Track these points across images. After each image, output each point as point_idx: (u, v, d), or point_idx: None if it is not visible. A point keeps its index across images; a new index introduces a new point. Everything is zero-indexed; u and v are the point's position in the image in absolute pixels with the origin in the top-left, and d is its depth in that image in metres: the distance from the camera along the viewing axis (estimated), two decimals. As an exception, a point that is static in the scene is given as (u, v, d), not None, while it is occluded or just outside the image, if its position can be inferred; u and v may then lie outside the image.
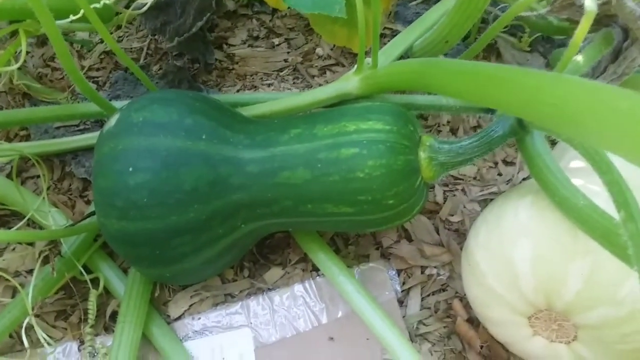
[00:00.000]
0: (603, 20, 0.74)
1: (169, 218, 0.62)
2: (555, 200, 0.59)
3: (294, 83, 1.00)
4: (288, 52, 1.05)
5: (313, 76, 1.01)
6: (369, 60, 0.71)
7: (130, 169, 0.61)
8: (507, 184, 0.87)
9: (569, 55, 0.59)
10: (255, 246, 0.80)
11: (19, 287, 0.63)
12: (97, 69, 1.01)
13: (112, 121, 0.66)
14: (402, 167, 0.62)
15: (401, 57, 0.80)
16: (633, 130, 0.29)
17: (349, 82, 0.72)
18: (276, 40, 1.06)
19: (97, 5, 0.64)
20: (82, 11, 0.62)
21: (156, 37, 0.99)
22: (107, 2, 0.66)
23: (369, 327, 0.68)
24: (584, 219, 0.55)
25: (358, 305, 0.69)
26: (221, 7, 0.96)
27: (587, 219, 0.55)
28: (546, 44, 1.07)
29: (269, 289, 0.77)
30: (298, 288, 0.76)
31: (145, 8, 0.82)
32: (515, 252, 0.62)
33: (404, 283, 0.78)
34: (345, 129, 0.64)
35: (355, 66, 0.72)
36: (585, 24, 0.57)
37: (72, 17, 0.63)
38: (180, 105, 0.66)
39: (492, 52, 1.04)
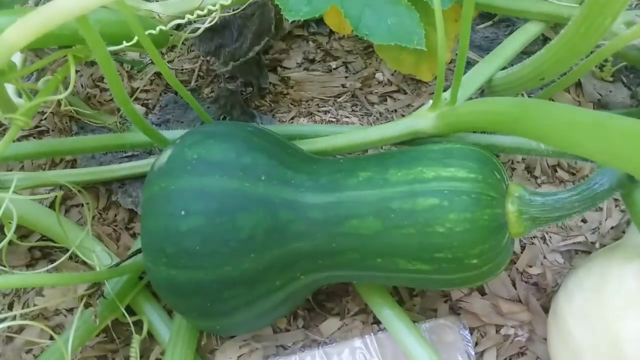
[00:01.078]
0: None
1: (223, 268, 0.56)
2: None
3: (352, 110, 0.93)
4: (346, 77, 0.98)
5: (373, 103, 0.94)
6: (446, 95, 0.64)
7: (183, 212, 0.55)
8: (593, 232, 0.77)
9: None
10: (312, 294, 0.73)
11: (56, 337, 0.58)
12: (147, 91, 0.97)
13: (164, 157, 0.60)
14: (488, 223, 0.54)
15: (480, 91, 0.72)
16: None
17: (423, 119, 0.64)
18: (333, 64, 1.00)
19: (153, 32, 0.59)
20: (136, 37, 0.57)
21: (209, 59, 0.94)
22: (164, 28, 0.60)
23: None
24: None
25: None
26: (280, 30, 0.90)
27: None
28: (630, 74, 0.97)
29: (325, 342, 0.70)
30: (357, 343, 0.68)
31: (200, 31, 0.77)
32: (622, 329, 0.52)
33: (477, 344, 0.69)
34: (422, 176, 0.56)
35: (431, 101, 0.64)
36: None
37: (125, 44, 0.57)
38: (238, 141, 0.60)
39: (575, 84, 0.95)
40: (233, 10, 0.77)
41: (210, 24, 0.76)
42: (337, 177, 0.60)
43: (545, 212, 0.55)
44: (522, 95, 0.83)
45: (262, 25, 0.79)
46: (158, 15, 0.66)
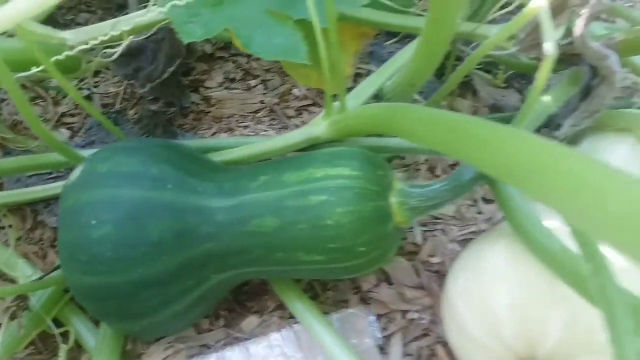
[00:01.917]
0: (571, 59, 0.74)
1: (135, 271, 0.60)
2: (530, 245, 0.58)
3: (270, 124, 1.00)
4: (264, 94, 1.04)
5: (290, 117, 1.01)
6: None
7: (94, 222, 0.60)
8: (487, 223, 0.85)
9: (532, 98, 0.59)
10: (232, 293, 0.78)
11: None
12: (73, 115, 1.01)
13: (77, 173, 0.64)
14: (372, 214, 0.60)
15: (375, 98, 0.80)
16: (571, 189, 0.29)
17: (319, 126, 0.71)
18: (253, 82, 1.06)
19: (59, 58, 0.64)
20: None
21: (130, 82, 0.99)
22: (70, 53, 0.65)
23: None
24: (559, 264, 0.54)
25: (333, 355, 0.66)
26: (194, 52, 0.96)
27: (562, 264, 0.53)
28: (522, 80, 1.08)
29: (246, 339, 0.75)
30: (275, 337, 0.73)
31: (115, 56, 0.82)
32: (493, 299, 0.60)
33: (385, 329, 0.76)
34: (313, 176, 0.62)
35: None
36: (545, 68, 0.57)
37: (34, 70, 0.62)
38: (146, 154, 0.65)
39: (468, 90, 1.05)
40: (145, 36, 0.83)
41: (123, 50, 0.82)
42: (240, 182, 0.66)
43: (423, 202, 0.63)
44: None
45: (174, 48, 0.84)
46: (67, 42, 0.71)
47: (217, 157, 0.76)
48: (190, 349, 0.74)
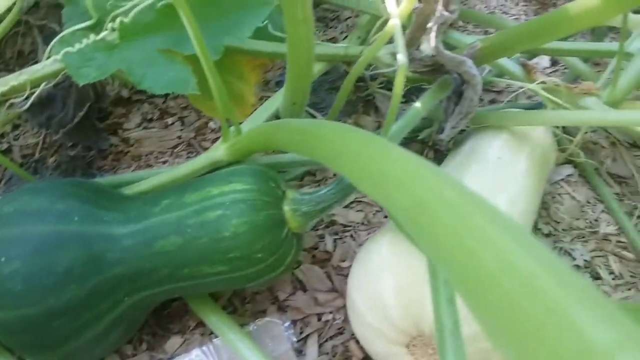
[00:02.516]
0: (440, 68, 0.84)
1: (46, 302, 0.64)
2: (406, 235, 0.64)
3: (187, 157, 1.05)
4: (181, 129, 1.10)
5: (206, 148, 1.06)
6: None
7: (3, 259, 0.63)
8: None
9: (393, 105, 0.67)
10: (153, 317, 0.81)
11: None
12: (-7, 168, 1.03)
13: (-15, 216, 0.68)
14: (264, 222, 0.66)
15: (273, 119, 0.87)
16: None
17: (218, 150, 0.77)
18: (170, 120, 1.12)
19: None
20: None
21: (44, 131, 1.03)
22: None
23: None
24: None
25: (249, 361, 0.71)
26: (105, 97, 1.01)
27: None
28: (419, 92, 1.17)
29: (169, 359, 0.78)
30: (196, 353, 0.77)
31: (26, 106, 0.86)
32: (381, 287, 0.66)
33: (301, 332, 0.80)
34: (210, 194, 0.68)
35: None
36: (400, 78, 0.65)
37: None
38: (52, 192, 0.69)
39: (370, 107, 1.13)
40: (53, 84, 0.87)
41: (34, 99, 0.86)
42: (144, 208, 0.70)
43: (312, 206, 0.69)
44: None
45: (81, 93, 0.89)
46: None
47: (129, 191, 0.81)
48: (116, 376, 0.77)
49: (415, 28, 0.79)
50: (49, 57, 0.77)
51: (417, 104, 0.79)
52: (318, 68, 0.95)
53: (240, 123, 0.83)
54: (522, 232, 0.26)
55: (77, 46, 0.71)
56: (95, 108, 0.98)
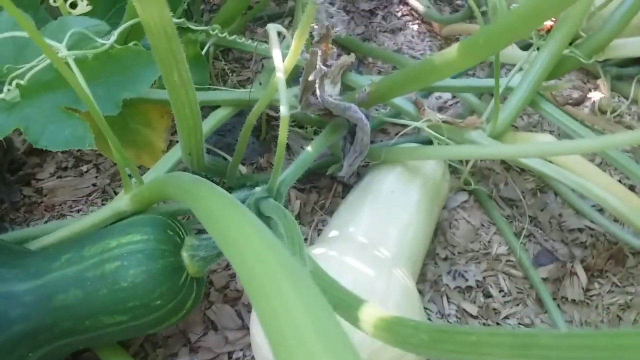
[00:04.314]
0: (332, 113, 0.90)
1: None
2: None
3: (102, 204, 1.07)
4: (96, 177, 1.12)
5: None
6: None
7: None
8: (299, 259, 0.97)
9: (279, 151, 0.73)
10: (64, 370, 0.82)
11: None
12: None
13: None
14: (161, 270, 0.70)
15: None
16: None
17: (121, 200, 0.80)
18: (85, 167, 1.14)
19: None
20: None
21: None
22: None
23: None
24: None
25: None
26: (11, 149, 1.02)
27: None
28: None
29: (81, 410, 0.79)
30: (107, 402, 0.79)
31: None
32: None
33: (212, 372, 0.83)
34: (108, 246, 0.71)
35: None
36: (283, 126, 0.71)
37: None
38: (-50, 254, 0.70)
39: (282, 145, 1.19)
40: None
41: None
42: (44, 264, 0.72)
43: (209, 251, 0.73)
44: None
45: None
46: None
47: (36, 244, 0.82)
48: None
49: (305, 77, 0.86)
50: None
51: (309, 148, 0.85)
52: (225, 113, 1.00)
53: (145, 172, 0.87)
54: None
55: (-27, 109, 0.73)
56: (5, 161, 0.99)
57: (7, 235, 0.88)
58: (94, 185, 1.10)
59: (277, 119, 1.24)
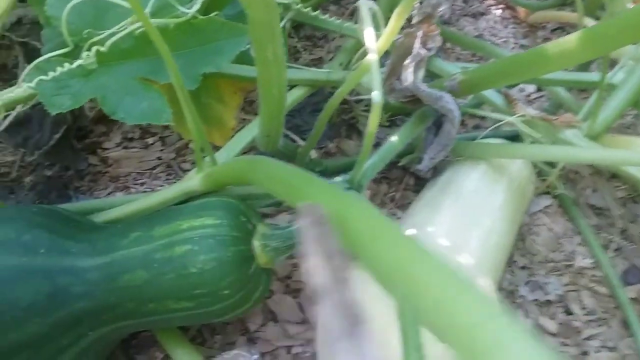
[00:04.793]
0: (418, 101, 0.83)
1: (8, 336, 0.62)
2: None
3: (166, 179, 1.04)
4: (162, 150, 1.09)
5: (185, 170, 1.05)
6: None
7: (-36, 293, 0.62)
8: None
9: (367, 140, 0.67)
10: (120, 348, 0.80)
11: None
12: (-32, 188, 1.02)
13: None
14: (232, 258, 0.65)
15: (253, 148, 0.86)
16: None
17: (192, 180, 0.76)
18: (150, 140, 1.11)
19: None
20: None
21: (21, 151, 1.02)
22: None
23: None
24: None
25: (217, 398, 0.70)
26: (82, 117, 1.00)
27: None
28: (406, 117, 1.17)
29: (136, 391, 0.77)
30: (163, 386, 0.76)
31: (2, 127, 0.85)
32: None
33: (270, 366, 0.80)
34: (179, 228, 0.67)
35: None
36: (374, 114, 0.65)
37: None
38: (19, 222, 0.68)
39: (353, 131, 1.13)
40: (30, 106, 0.87)
41: (11, 120, 0.85)
42: (112, 240, 0.69)
43: (282, 242, 0.68)
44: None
45: (58, 115, 0.88)
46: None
47: (101, 217, 0.80)
48: (82, 407, 0.76)
49: (395, 60, 0.79)
50: (23, 82, 0.76)
51: (394, 138, 0.78)
52: (300, 93, 0.94)
53: (218, 149, 0.83)
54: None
55: (52, 74, 0.70)
56: (74, 128, 0.97)
57: (72, 205, 0.86)
58: (159, 158, 1.08)
59: (348, 102, 1.17)
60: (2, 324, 0.62)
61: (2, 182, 1.02)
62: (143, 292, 0.66)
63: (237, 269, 0.66)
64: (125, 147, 1.10)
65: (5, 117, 0.84)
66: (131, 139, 1.11)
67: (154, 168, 1.06)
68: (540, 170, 1.03)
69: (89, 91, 0.73)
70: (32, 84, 0.70)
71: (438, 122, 0.85)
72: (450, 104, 0.77)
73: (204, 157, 0.76)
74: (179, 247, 0.66)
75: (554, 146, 0.86)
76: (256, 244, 0.68)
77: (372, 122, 0.65)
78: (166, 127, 1.14)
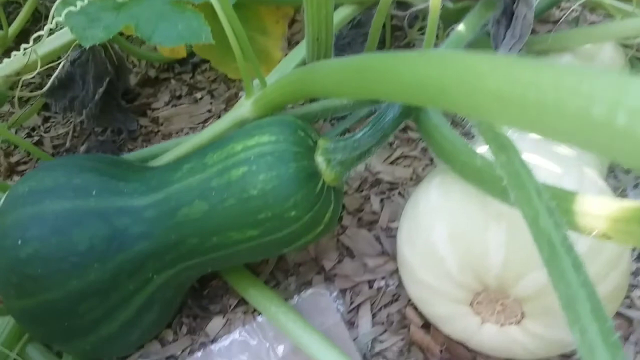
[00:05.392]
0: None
1: (69, 284, 0.58)
2: (457, 169, 0.55)
3: (219, 130, 0.98)
4: (211, 103, 1.04)
5: (237, 119, 0.99)
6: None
7: (20, 242, 0.58)
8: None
9: (431, 22, 0.57)
10: (192, 299, 0.75)
11: None
12: (25, 162, 1.01)
13: (1, 201, 0.63)
14: (295, 175, 0.58)
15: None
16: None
17: (243, 107, 0.70)
18: (199, 95, 1.06)
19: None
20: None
21: (70, 115, 0.99)
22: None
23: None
24: (483, 178, 0.51)
25: (297, 339, 0.63)
26: (123, 70, 0.95)
27: (486, 178, 0.50)
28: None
29: (212, 341, 0.72)
30: (239, 333, 0.70)
31: (46, 88, 0.82)
32: (434, 237, 0.56)
33: (352, 302, 0.72)
34: (233, 150, 0.61)
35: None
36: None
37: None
38: (68, 167, 0.64)
39: (411, 55, 1.03)
40: (70, 62, 0.83)
41: (55, 82, 0.82)
42: (164, 176, 0.64)
43: (348, 153, 0.60)
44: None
45: (98, 67, 0.84)
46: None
47: (155, 163, 0.75)
48: (157, 362, 0.71)
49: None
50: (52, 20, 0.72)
51: (461, 27, 0.68)
52: (347, 11, 0.85)
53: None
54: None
55: (80, 4, 0.65)
56: (119, 87, 0.93)
57: (125, 156, 0.82)
58: (209, 111, 1.02)
59: (402, 28, 1.07)
60: (62, 272, 0.58)
61: (57, 154, 1.00)
62: (204, 224, 0.60)
63: (302, 187, 0.58)
64: (174, 105, 1.05)
65: (43, 78, 0.80)
66: (179, 97, 1.07)
67: (205, 121, 1.01)
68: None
69: (122, 21, 0.68)
70: (61, 18, 0.65)
71: (508, 11, 0.74)
72: (524, -21, 0.66)
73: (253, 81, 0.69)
74: (236, 170, 0.59)
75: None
76: (319, 159, 0.61)
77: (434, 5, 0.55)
78: (213, 81, 1.09)
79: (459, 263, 0.54)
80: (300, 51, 0.76)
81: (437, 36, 1.03)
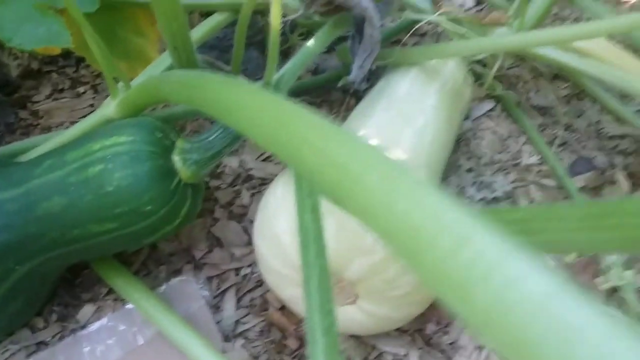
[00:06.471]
0: (339, 7, 0.80)
1: None
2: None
3: (100, 125, 1.01)
4: (94, 98, 1.05)
5: (120, 114, 1.02)
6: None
7: None
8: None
9: (273, 44, 0.64)
10: (64, 288, 0.78)
11: None
12: None
13: None
14: (150, 173, 0.63)
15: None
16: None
17: (108, 107, 0.73)
18: (81, 89, 1.07)
19: None
20: None
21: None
22: None
23: (175, 343, 0.68)
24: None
25: (158, 323, 0.69)
26: (3, 69, 0.95)
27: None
28: (343, 42, 1.14)
29: (82, 328, 0.75)
30: (109, 318, 0.74)
31: None
32: (277, 228, 0.64)
33: (218, 288, 0.78)
34: (91, 149, 0.65)
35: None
36: (275, 9, 0.62)
37: None
38: None
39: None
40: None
41: None
42: (26, 171, 0.67)
43: (202, 153, 0.66)
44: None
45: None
46: None
47: (24, 159, 0.76)
48: (27, 348, 0.74)
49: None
50: None
51: (310, 42, 0.76)
52: (220, 18, 0.90)
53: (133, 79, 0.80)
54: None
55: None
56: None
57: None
58: (91, 106, 1.04)
59: (284, 32, 1.14)
60: None
61: None
62: (64, 218, 0.64)
63: (156, 184, 0.63)
64: (55, 99, 1.06)
65: None
66: (61, 90, 1.07)
67: (86, 115, 1.02)
68: (480, 76, 1.01)
69: (-17, 22, 0.69)
70: None
71: (360, 29, 0.82)
72: (363, 1, 0.74)
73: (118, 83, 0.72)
74: (93, 168, 0.63)
75: (478, 38, 0.84)
76: (176, 158, 0.66)
77: (275, 13, 0.62)
78: (97, 76, 1.10)
79: (298, 252, 0.62)
80: (167, 56, 0.80)
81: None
